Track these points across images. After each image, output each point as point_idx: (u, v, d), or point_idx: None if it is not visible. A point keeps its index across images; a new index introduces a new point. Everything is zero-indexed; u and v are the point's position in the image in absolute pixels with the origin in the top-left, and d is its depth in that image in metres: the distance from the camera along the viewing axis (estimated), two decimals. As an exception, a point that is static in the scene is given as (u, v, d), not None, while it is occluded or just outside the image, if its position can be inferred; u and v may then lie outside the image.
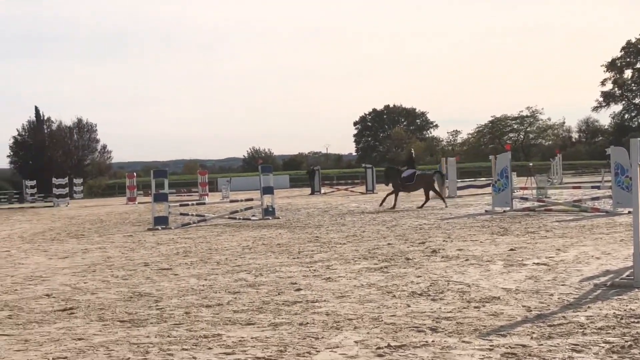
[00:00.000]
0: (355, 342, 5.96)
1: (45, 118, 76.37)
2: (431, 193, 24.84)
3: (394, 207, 24.21)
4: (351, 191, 43.94)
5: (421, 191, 24.97)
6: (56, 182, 46.29)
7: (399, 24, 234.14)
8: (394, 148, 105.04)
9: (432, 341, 5.88)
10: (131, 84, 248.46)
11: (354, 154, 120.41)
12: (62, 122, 76.70)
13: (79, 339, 6.53)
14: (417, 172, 24.92)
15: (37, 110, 76.26)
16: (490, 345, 5.67)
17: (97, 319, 7.46)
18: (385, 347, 5.76)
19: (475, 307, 7.16)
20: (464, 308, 7.16)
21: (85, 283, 10.18)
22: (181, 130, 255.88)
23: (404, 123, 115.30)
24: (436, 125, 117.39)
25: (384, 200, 25.78)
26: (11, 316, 7.85)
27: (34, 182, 53.15)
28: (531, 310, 6.89)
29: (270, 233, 17.11)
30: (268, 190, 22.83)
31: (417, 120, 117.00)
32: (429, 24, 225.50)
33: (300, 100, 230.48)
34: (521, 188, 24.15)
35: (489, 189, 26.08)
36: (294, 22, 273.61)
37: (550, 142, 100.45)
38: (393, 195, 25.10)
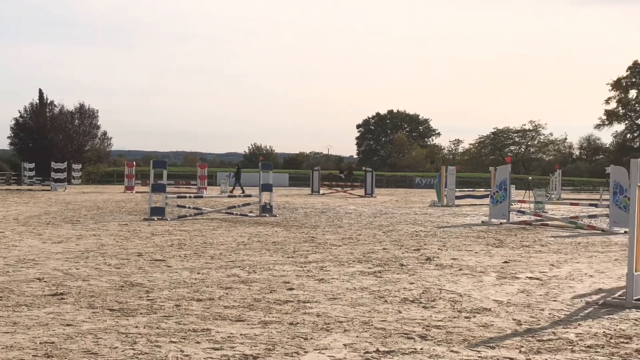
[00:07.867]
0: (344, 345, 5.96)
1: (49, 101, 76.04)
2: None
3: None
4: (350, 193, 43.93)
5: None
6: (55, 166, 46.14)
7: (407, 28, 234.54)
8: (395, 153, 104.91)
9: (421, 349, 5.88)
10: (136, 72, 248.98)
11: (355, 156, 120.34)
12: (64, 107, 76.29)
13: (68, 325, 6.52)
14: None
15: (40, 92, 75.92)
16: (479, 357, 5.67)
17: (87, 306, 7.46)
18: (374, 352, 5.76)
19: (465, 318, 7.16)
20: (455, 317, 7.16)
21: (77, 269, 10.18)
22: (183, 122, 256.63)
23: (407, 129, 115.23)
24: (438, 133, 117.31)
25: None
26: (1, 298, 7.85)
27: (32, 165, 53.11)
28: (521, 324, 6.89)
29: (266, 230, 17.10)
30: (267, 188, 22.84)
31: (420, 127, 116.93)
32: (435, 30, 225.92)
33: (304, 99, 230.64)
34: (519, 201, 24.07)
35: (487, 200, 26.14)
36: (301, 20, 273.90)
37: (551, 158, 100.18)
38: None
